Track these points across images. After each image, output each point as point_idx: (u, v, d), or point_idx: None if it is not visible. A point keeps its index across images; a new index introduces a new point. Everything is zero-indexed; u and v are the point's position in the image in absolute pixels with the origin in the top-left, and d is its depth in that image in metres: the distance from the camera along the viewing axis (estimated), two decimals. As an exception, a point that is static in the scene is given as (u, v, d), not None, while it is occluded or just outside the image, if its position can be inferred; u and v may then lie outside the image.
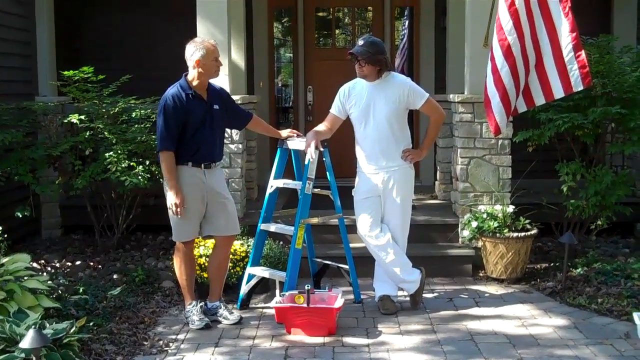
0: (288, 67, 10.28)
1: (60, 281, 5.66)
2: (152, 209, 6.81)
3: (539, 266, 6.49)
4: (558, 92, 5.75)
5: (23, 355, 3.89)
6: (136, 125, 6.61)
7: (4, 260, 4.87)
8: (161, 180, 5.05)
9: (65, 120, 6.80)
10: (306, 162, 5.28)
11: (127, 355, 4.59)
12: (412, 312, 5.44)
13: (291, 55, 9.62)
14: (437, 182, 7.87)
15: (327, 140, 5.48)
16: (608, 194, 6.35)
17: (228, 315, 5.21)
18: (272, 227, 5.56)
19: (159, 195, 5.05)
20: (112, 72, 6.84)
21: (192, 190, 5.03)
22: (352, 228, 5.64)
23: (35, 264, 6.25)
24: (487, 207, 6.32)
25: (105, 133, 6.52)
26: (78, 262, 6.55)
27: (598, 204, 6.37)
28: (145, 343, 4.81)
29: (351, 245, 5.66)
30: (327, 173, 5.53)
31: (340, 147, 6.56)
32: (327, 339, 4.87)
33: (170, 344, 4.82)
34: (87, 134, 6.64)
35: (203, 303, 5.24)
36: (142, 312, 5.37)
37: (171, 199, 4.95)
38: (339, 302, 4.99)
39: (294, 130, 5.70)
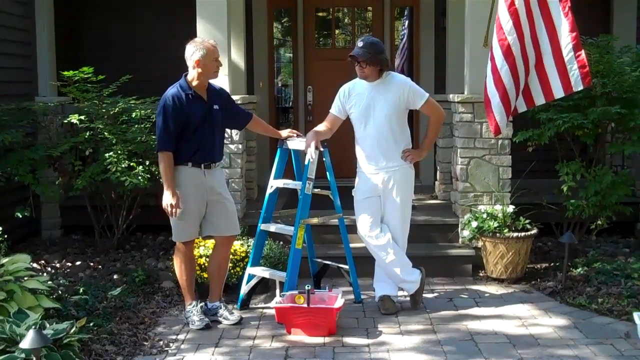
0: (288, 67, 10.29)
1: (61, 281, 5.66)
2: (152, 209, 6.77)
3: (539, 266, 6.49)
4: (558, 92, 5.76)
5: (23, 355, 3.90)
6: (136, 126, 6.61)
7: (4, 260, 4.87)
8: (161, 180, 5.05)
9: (65, 121, 6.81)
10: (306, 162, 5.28)
11: (128, 356, 4.59)
12: (412, 312, 5.44)
13: (291, 55, 9.62)
14: (437, 182, 7.87)
15: (327, 140, 5.48)
16: (608, 193, 6.35)
17: (228, 315, 5.21)
18: (272, 227, 5.56)
19: (159, 196, 5.04)
20: (112, 72, 6.84)
21: (192, 191, 5.03)
22: (352, 228, 5.64)
23: (35, 265, 6.25)
24: (487, 207, 6.32)
25: (105, 133, 6.52)
26: (78, 263, 6.55)
27: (598, 204, 6.37)
28: (145, 343, 4.81)
29: (351, 245, 5.66)
30: (327, 173, 5.53)
31: (340, 147, 6.56)
32: (327, 339, 4.87)
33: (171, 344, 4.82)
34: (87, 134, 6.64)
35: (203, 303, 5.24)
36: (142, 312, 5.37)
37: (167, 199, 4.95)
38: (339, 302, 4.99)
39: (294, 131, 5.71)
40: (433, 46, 8.82)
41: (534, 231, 6.17)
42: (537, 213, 6.41)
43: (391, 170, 5.36)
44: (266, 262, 5.73)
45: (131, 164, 6.42)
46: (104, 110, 6.65)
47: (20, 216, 6.55)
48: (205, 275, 5.51)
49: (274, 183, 5.57)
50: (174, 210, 4.95)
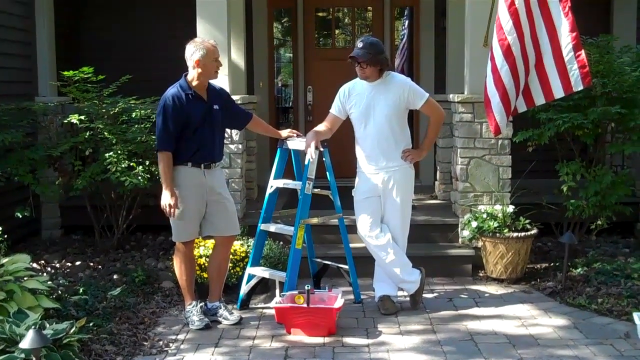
0: (288, 67, 10.29)
1: (60, 281, 5.66)
2: (152, 209, 6.75)
3: (539, 266, 6.49)
4: (558, 92, 5.76)
5: (23, 355, 3.90)
6: (136, 126, 6.61)
7: (4, 260, 4.87)
8: (161, 180, 5.05)
9: (65, 121, 6.81)
10: (306, 162, 5.28)
11: (127, 356, 4.59)
12: (412, 312, 5.44)
13: (291, 55, 9.62)
14: (437, 182, 7.87)
15: (327, 140, 5.48)
16: (608, 193, 6.35)
17: (228, 315, 5.21)
18: (272, 227, 5.56)
19: (158, 196, 5.04)
20: (112, 72, 6.84)
21: (192, 191, 5.04)
22: (352, 228, 5.64)
23: (35, 265, 6.25)
24: (487, 207, 6.32)
25: (105, 133, 6.52)
26: (78, 263, 6.55)
27: (598, 204, 6.37)
28: (145, 343, 4.81)
29: (351, 245, 5.66)
30: (327, 173, 5.53)
31: (340, 147, 6.56)
32: (327, 339, 4.87)
33: (170, 344, 4.82)
34: (87, 134, 6.64)
35: (203, 303, 5.24)
36: (142, 312, 5.37)
37: (165, 199, 4.95)
38: (338, 302, 4.99)
39: (294, 131, 5.70)
40: (433, 46, 8.83)
41: (534, 231, 6.17)
42: (537, 213, 6.41)
43: (391, 170, 5.36)
44: (266, 262, 5.73)
45: (131, 164, 6.42)
46: (104, 110, 6.65)
47: (20, 216, 6.55)
48: (205, 275, 5.51)
49: (274, 183, 5.57)
50: (172, 210, 4.95)
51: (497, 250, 6.09)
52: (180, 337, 4.96)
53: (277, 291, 5.32)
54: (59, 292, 5.30)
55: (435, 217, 6.82)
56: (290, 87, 9.92)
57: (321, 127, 5.48)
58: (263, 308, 5.55)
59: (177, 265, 5.19)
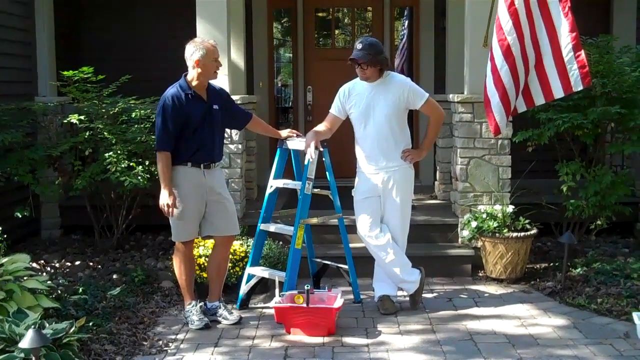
0: (288, 67, 10.29)
1: (60, 281, 5.66)
2: (152, 209, 6.72)
3: (538, 266, 6.50)
4: (558, 92, 5.76)
5: (22, 355, 3.90)
6: (136, 126, 6.61)
7: (4, 260, 4.87)
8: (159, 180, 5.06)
9: (65, 121, 6.81)
10: (306, 162, 5.28)
11: (127, 355, 4.59)
12: (412, 312, 5.44)
13: (291, 55, 9.62)
14: (436, 182, 7.87)
15: (327, 140, 5.48)
16: (608, 193, 6.35)
17: (227, 315, 5.21)
18: (272, 227, 5.56)
19: (158, 196, 5.04)
20: (112, 73, 6.84)
21: (192, 191, 5.04)
22: (352, 228, 5.64)
23: (34, 264, 6.25)
24: (487, 207, 6.32)
25: (105, 133, 6.52)
26: (77, 262, 6.55)
27: (598, 204, 6.37)
28: (144, 343, 4.81)
29: (351, 245, 5.66)
30: (327, 173, 5.53)
31: (340, 147, 6.56)
32: (326, 339, 4.87)
33: (170, 344, 4.82)
34: (87, 134, 6.64)
35: (202, 303, 5.24)
36: (141, 312, 5.37)
37: (163, 199, 4.95)
38: (338, 302, 4.99)
39: (294, 131, 5.71)
40: (433, 46, 8.83)
41: (534, 231, 6.17)
42: (536, 213, 6.41)
43: (391, 170, 5.36)
44: (266, 262, 5.73)
45: (131, 164, 6.42)
46: (103, 110, 6.65)
47: (20, 216, 6.55)
48: (205, 275, 5.51)
49: (274, 183, 5.57)
50: (170, 209, 4.95)
51: (496, 250, 6.09)
52: (180, 336, 4.97)
53: (277, 291, 5.32)
54: (59, 291, 5.30)
55: (435, 217, 6.82)
56: (290, 87, 9.92)
57: (321, 127, 5.48)
58: (263, 308, 5.55)
59: (177, 265, 5.19)
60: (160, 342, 4.84)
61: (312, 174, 5.29)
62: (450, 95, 6.76)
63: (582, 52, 5.60)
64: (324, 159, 5.48)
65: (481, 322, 5.21)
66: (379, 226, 5.39)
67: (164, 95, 5.02)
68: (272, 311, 5.11)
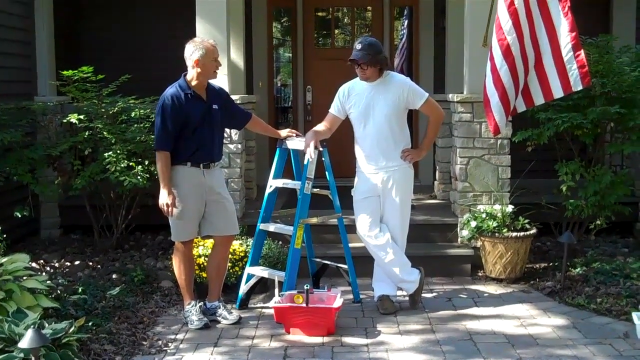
0: (287, 67, 10.28)
1: (59, 281, 5.66)
2: (151, 209, 6.72)
3: (538, 266, 6.50)
4: (557, 92, 5.76)
5: (22, 355, 3.90)
6: (135, 125, 6.61)
7: (3, 260, 4.86)
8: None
9: (65, 120, 6.81)
10: (305, 162, 5.28)
11: (126, 355, 4.59)
12: (411, 312, 5.44)
13: (290, 55, 9.62)
14: (436, 182, 7.87)
15: (326, 140, 5.48)
16: (607, 193, 6.35)
17: (227, 315, 5.21)
18: (271, 227, 5.56)
19: (157, 195, 5.04)
20: (112, 72, 6.84)
21: (191, 190, 5.04)
22: (352, 228, 5.64)
23: (34, 264, 6.25)
24: (486, 206, 6.32)
25: (105, 133, 6.52)
26: (77, 262, 6.55)
27: (597, 204, 6.37)
28: (144, 343, 4.81)
29: (350, 245, 5.66)
30: (326, 173, 5.53)
31: (340, 147, 6.56)
32: (326, 339, 4.87)
33: (169, 344, 4.82)
34: (87, 133, 6.64)
35: (202, 303, 5.24)
36: (141, 312, 5.37)
37: (163, 198, 4.95)
38: (338, 302, 4.99)
39: (293, 130, 5.71)
40: (432, 46, 8.84)
41: (533, 231, 6.17)
42: (536, 213, 6.41)
43: (390, 170, 5.36)
44: (265, 262, 5.73)
45: (130, 163, 6.42)
46: (103, 110, 6.65)
47: (20, 216, 6.55)
48: (204, 275, 5.51)
49: (273, 183, 5.57)
50: (170, 209, 4.95)
51: (496, 250, 6.09)
52: (179, 336, 4.96)
53: (276, 291, 5.31)
54: (58, 291, 5.30)
55: (434, 217, 6.82)
56: (290, 87, 9.91)
57: (320, 126, 5.48)
58: (262, 308, 5.55)
59: (176, 264, 5.19)
60: (160, 342, 4.84)
61: (312, 174, 5.29)
62: (450, 95, 6.76)
63: (582, 51, 5.60)
64: (323, 158, 5.48)
65: (481, 322, 5.21)
66: (379, 226, 5.39)
67: (163, 95, 5.02)
68: (272, 311, 5.11)
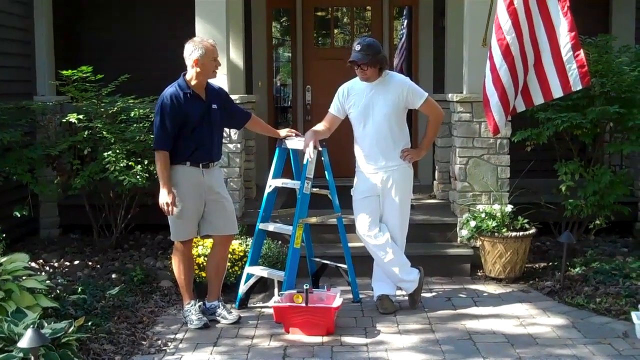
0: (287, 67, 10.28)
1: (59, 281, 5.66)
2: (151, 209, 6.73)
3: (537, 265, 6.50)
4: (557, 92, 5.76)
5: (21, 354, 3.90)
6: (135, 125, 6.61)
7: (3, 259, 4.86)
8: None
9: (64, 120, 6.81)
10: (305, 162, 5.28)
11: (126, 355, 4.59)
12: (411, 311, 5.44)
13: (290, 54, 9.62)
14: (435, 182, 7.87)
15: (326, 139, 5.48)
16: (606, 193, 6.35)
17: (227, 314, 5.21)
18: (271, 227, 5.56)
19: (157, 195, 5.04)
20: (111, 72, 6.84)
21: (190, 190, 5.03)
22: (351, 227, 5.64)
23: (33, 264, 6.25)
24: (486, 206, 6.32)
25: (104, 132, 6.52)
26: (76, 262, 6.55)
27: (596, 204, 6.37)
28: (143, 342, 4.81)
29: (350, 244, 5.66)
30: (326, 172, 5.53)
31: (339, 146, 6.56)
32: (325, 339, 4.87)
33: (169, 344, 4.82)
34: (86, 133, 6.64)
35: (201, 302, 5.24)
36: (140, 311, 5.37)
37: (163, 198, 4.95)
38: (337, 302, 4.99)
39: (293, 130, 5.70)
40: (432, 46, 8.84)
41: (533, 231, 6.17)
42: (535, 212, 6.42)
43: (390, 169, 5.36)
44: (265, 262, 5.73)
45: (130, 163, 6.42)
46: (102, 110, 6.65)
47: (19, 215, 6.55)
48: (204, 275, 5.51)
49: (273, 182, 5.57)
50: (170, 208, 4.95)
51: (495, 249, 6.09)
52: (179, 336, 4.96)
53: (276, 290, 5.32)
54: (58, 291, 5.30)
55: (433, 217, 6.82)
56: (289, 87, 9.91)
57: (320, 126, 5.48)
58: (262, 307, 5.55)
59: (176, 264, 5.19)
60: (159, 342, 4.84)
61: (311, 174, 5.29)
62: (449, 95, 6.76)
63: (581, 51, 5.60)
64: (322, 158, 5.48)
65: (480, 321, 5.22)
66: (378, 225, 5.39)
67: (162, 95, 5.02)
68: (271, 310, 5.11)
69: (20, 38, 7.55)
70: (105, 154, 6.41)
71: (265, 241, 5.75)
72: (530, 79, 5.81)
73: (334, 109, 5.49)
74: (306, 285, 4.97)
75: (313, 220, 5.54)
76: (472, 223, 6.20)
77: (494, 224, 6.09)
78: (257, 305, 5.61)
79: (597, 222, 6.48)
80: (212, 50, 5.03)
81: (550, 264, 6.48)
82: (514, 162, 6.49)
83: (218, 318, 5.21)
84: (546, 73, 5.73)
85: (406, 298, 5.55)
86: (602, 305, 5.38)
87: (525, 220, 6.19)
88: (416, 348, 4.71)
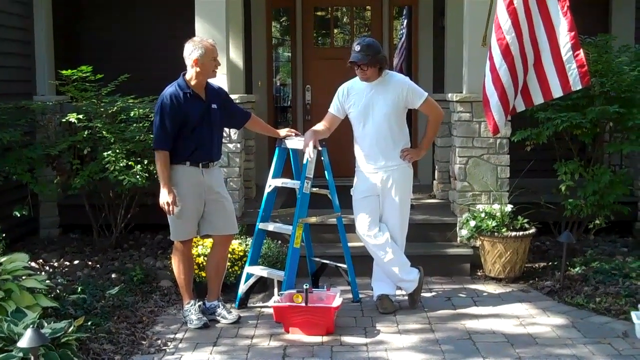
0: (286, 67, 10.28)
1: (59, 280, 5.66)
2: (150, 208, 6.74)
3: (537, 265, 6.50)
4: (556, 91, 5.76)
5: (21, 354, 3.90)
6: (134, 125, 6.61)
7: (2, 259, 4.87)
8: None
9: (64, 120, 6.81)
10: (304, 161, 5.28)
11: (125, 355, 4.59)
12: (411, 311, 5.44)
13: (289, 54, 9.62)
14: (435, 182, 7.87)
15: (326, 139, 5.48)
16: (606, 193, 6.35)
17: (226, 314, 5.21)
18: (271, 227, 5.56)
19: (157, 195, 5.05)
20: (111, 72, 6.84)
21: (190, 190, 5.03)
22: (351, 227, 5.64)
23: (33, 264, 6.25)
24: (486, 206, 6.32)
25: (104, 132, 6.52)
26: (76, 262, 6.55)
27: (596, 203, 6.37)
28: (143, 342, 4.81)
29: (350, 244, 5.66)
30: (326, 172, 5.53)
31: (339, 146, 6.56)
32: (325, 338, 4.87)
33: (169, 343, 4.82)
34: (86, 133, 6.64)
35: (201, 302, 5.24)
36: (140, 311, 5.37)
37: (163, 197, 4.95)
38: (337, 301, 4.99)
39: (292, 130, 5.70)
40: (432, 45, 8.84)
41: (532, 230, 6.17)
42: (535, 212, 6.42)
43: (390, 169, 5.36)
44: (264, 261, 5.73)
45: (129, 162, 6.42)
46: (102, 109, 6.65)
47: (19, 215, 6.55)
48: (204, 274, 5.51)
49: (273, 182, 5.57)
50: (170, 208, 4.95)
51: (495, 249, 6.09)
52: (179, 336, 4.96)
53: (276, 290, 5.32)
54: (57, 291, 5.30)
55: (433, 217, 6.82)
56: (289, 86, 9.91)
57: (319, 126, 5.48)
58: (261, 307, 5.55)
59: (176, 264, 5.19)
60: (159, 342, 4.84)
61: (311, 173, 5.29)
62: (449, 95, 6.76)
63: (581, 51, 5.60)
64: (322, 158, 5.47)
65: (480, 321, 5.22)
66: (378, 225, 5.39)
67: (162, 94, 5.02)
68: (271, 310, 5.11)
69: (20, 38, 7.56)
70: (105, 153, 6.41)
71: (265, 241, 5.75)
72: (530, 79, 5.81)
73: (333, 108, 5.49)
74: (306, 285, 4.97)
75: (313, 220, 5.54)
76: (472, 223, 6.20)
77: (494, 223, 6.09)
78: (257, 305, 5.61)
79: (597, 221, 6.49)
80: (212, 50, 5.03)
81: (550, 263, 6.48)
82: (513, 162, 6.50)
83: (218, 318, 5.21)
84: (546, 73, 5.73)
85: (406, 298, 5.55)
86: (601, 305, 5.38)
87: (525, 220, 6.19)
88: (416, 348, 4.71)
